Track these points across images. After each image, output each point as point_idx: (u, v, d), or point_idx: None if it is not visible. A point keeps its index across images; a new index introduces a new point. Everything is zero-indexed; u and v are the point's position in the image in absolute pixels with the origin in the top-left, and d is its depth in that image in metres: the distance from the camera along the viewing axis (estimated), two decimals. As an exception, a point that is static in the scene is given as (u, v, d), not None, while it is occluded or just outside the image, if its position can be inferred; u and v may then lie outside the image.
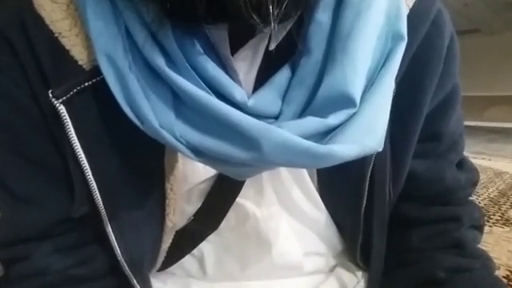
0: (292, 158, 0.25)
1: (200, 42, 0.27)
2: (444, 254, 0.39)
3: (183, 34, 0.26)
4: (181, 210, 0.37)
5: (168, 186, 0.34)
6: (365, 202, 0.38)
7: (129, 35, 0.27)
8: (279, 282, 0.43)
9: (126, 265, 0.36)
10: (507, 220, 1.09)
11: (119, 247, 0.35)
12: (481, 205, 1.20)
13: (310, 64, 0.28)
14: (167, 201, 0.35)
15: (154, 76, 0.27)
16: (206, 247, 0.42)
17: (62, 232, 0.35)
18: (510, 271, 0.80)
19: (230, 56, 0.28)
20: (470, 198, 0.43)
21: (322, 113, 0.27)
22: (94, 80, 0.29)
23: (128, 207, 0.34)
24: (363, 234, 0.40)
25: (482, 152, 2.09)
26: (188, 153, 0.27)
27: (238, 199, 0.38)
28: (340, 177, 0.37)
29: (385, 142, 0.27)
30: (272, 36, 0.28)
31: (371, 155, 0.34)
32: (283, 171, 0.38)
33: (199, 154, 0.27)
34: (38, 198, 0.34)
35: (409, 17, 0.30)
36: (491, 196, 1.30)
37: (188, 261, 0.43)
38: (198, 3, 0.22)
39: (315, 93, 0.27)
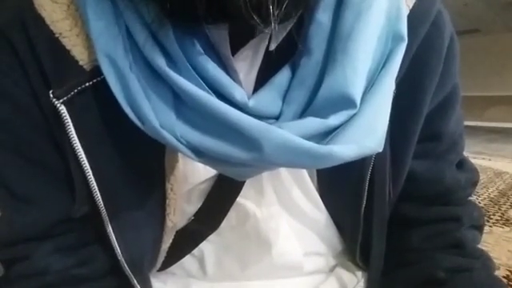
0: (292, 158, 0.25)
1: (200, 42, 0.27)
2: (444, 253, 0.39)
3: (183, 34, 0.26)
4: (181, 210, 0.37)
5: (168, 186, 0.34)
6: (364, 202, 0.38)
7: (129, 35, 0.27)
8: (279, 281, 0.43)
9: (126, 265, 0.36)
10: (507, 220, 1.09)
11: (119, 247, 0.35)
12: (481, 205, 1.20)
13: (310, 64, 0.28)
14: (167, 201, 0.35)
15: (155, 76, 0.27)
16: (207, 247, 0.42)
17: (63, 232, 0.35)
18: (510, 271, 0.80)
19: (231, 56, 0.28)
20: (470, 198, 0.43)
21: (323, 113, 0.27)
22: (94, 80, 0.29)
23: (128, 207, 0.34)
24: (363, 234, 0.40)
25: (482, 152, 2.09)
26: (188, 153, 0.27)
27: (238, 199, 0.38)
28: (340, 177, 0.37)
29: (385, 143, 0.27)
30: (272, 36, 0.28)
31: (371, 155, 0.34)
32: (283, 171, 0.38)
33: (200, 154, 0.28)
34: (39, 198, 0.34)
35: (409, 17, 0.30)
36: (491, 196, 1.30)
37: (188, 261, 0.43)
38: (198, 3, 0.22)
39: (316, 93, 0.27)
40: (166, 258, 0.41)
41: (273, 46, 0.28)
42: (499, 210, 1.17)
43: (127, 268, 0.36)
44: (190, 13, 0.23)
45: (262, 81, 0.30)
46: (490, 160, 1.91)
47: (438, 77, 0.35)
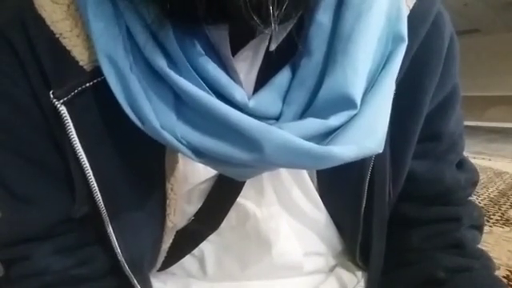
0: (293, 159, 0.25)
1: (201, 43, 0.27)
2: (444, 253, 0.39)
3: (184, 34, 0.26)
4: (181, 210, 0.37)
5: (169, 186, 0.34)
6: (364, 202, 0.38)
7: (130, 36, 0.27)
8: (279, 281, 0.43)
9: (126, 265, 0.36)
10: (507, 220, 1.09)
11: (120, 247, 0.35)
12: (481, 205, 1.20)
13: (310, 65, 0.28)
14: (168, 201, 0.35)
15: (155, 77, 0.27)
16: (207, 247, 0.42)
17: (63, 232, 0.35)
18: (510, 271, 0.80)
19: (231, 56, 0.28)
20: (470, 198, 0.43)
21: (323, 114, 0.27)
22: (95, 81, 0.29)
23: (129, 207, 0.34)
24: (363, 234, 0.40)
25: (482, 152, 2.09)
26: (189, 153, 0.27)
27: (238, 199, 0.38)
28: (340, 177, 0.37)
29: (384, 143, 0.27)
30: (272, 37, 0.28)
31: (371, 156, 0.34)
32: (283, 172, 0.38)
33: (200, 154, 0.28)
34: (39, 198, 0.34)
35: (409, 18, 0.30)
36: (491, 196, 1.31)
37: (188, 261, 0.43)
38: (198, 4, 0.22)
39: (316, 94, 0.27)
40: (166, 258, 0.41)
41: (273, 47, 0.28)
42: (499, 209, 1.17)
43: (127, 268, 0.36)
44: (190, 13, 0.23)
45: (262, 81, 0.30)
46: (489, 160, 1.91)
47: (438, 77, 0.35)
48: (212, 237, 0.41)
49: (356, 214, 0.39)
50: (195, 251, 0.42)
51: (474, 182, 0.43)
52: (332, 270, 0.46)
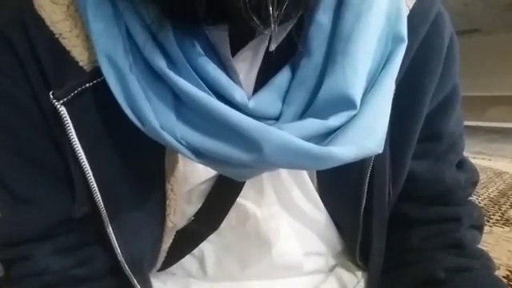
0: (292, 159, 0.25)
1: (200, 43, 0.27)
2: (444, 254, 0.39)
3: (184, 35, 0.26)
4: (181, 210, 0.37)
5: (168, 186, 0.34)
6: (364, 202, 0.38)
7: (129, 36, 0.27)
8: (279, 281, 0.43)
9: (126, 265, 0.36)
10: (507, 220, 1.09)
11: (119, 247, 0.35)
12: (481, 205, 1.20)
13: (310, 65, 0.28)
14: (168, 201, 0.35)
15: (155, 77, 0.27)
16: (207, 247, 0.42)
17: (63, 232, 0.35)
18: (510, 271, 0.80)
19: (231, 57, 0.28)
20: (470, 198, 0.43)
21: (323, 114, 0.27)
22: (94, 81, 0.29)
23: (128, 208, 0.34)
24: (363, 234, 0.40)
25: (482, 152, 2.09)
26: (188, 154, 0.27)
27: (238, 199, 0.38)
28: (340, 177, 0.37)
29: (384, 143, 0.27)
30: (272, 37, 0.28)
31: (371, 156, 0.34)
32: (283, 172, 0.38)
33: (200, 155, 0.28)
34: (39, 199, 0.34)
35: (409, 18, 0.30)
36: (491, 196, 1.30)
37: (188, 261, 0.43)
38: (198, 5, 0.22)
39: (316, 94, 0.27)
40: (166, 258, 0.41)
41: (273, 47, 0.28)
42: (499, 209, 1.17)
43: (127, 268, 0.36)
44: (190, 14, 0.23)
45: (262, 81, 0.30)
46: (489, 160, 1.91)
47: (438, 77, 0.35)
48: (212, 237, 0.41)
49: (356, 214, 0.39)
50: (195, 251, 0.42)
51: (473, 182, 0.43)
52: (332, 269, 0.46)
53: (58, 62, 0.29)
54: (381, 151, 0.27)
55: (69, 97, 0.29)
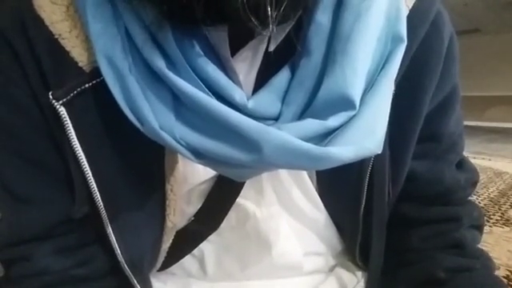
0: (291, 159, 0.25)
1: (200, 44, 0.27)
2: (444, 254, 0.39)
3: (183, 35, 0.26)
4: (181, 210, 0.37)
5: (168, 186, 0.34)
6: (364, 202, 0.38)
7: (129, 37, 0.27)
8: (279, 281, 0.43)
9: (126, 265, 0.36)
10: (507, 220, 1.09)
11: (119, 248, 0.35)
12: (481, 205, 1.20)
13: (309, 66, 0.28)
14: (167, 201, 0.35)
15: (154, 78, 0.27)
16: (207, 247, 0.42)
17: (63, 233, 0.35)
18: (510, 271, 0.80)
19: (230, 57, 0.28)
20: (470, 198, 0.43)
21: (322, 115, 0.27)
22: (94, 81, 0.29)
23: (128, 208, 0.34)
24: (362, 234, 0.40)
25: (482, 152, 2.09)
26: (188, 154, 0.27)
27: (238, 199, 0.38)
28: (339, 177, 0.37)
29: (384, 143, 0.27)
30: (271, 37, 0.28)
31: (370, 156, 0.34)
32: (283, 172, 0.38)
33: (199, 155, 0.28)
34: (39, 199, 0.34)
35: (408, 17, 0.30)
36: (491, 196, 1.30)
37: (188, 261, 0.43)
38: (196, 6, 0.22)
39: (315, 95, 0.27)
40: (166, 258, 0.41)
41: (272, 47, 0.28)
42: (499, 209, 1.17)
43: (127, 268, 0.36)
44: (189, 15, 0.23)
45: (261, 82, 0.30)
46: (489, 160, 1.90)
47: (438, 77, 0.35)
48: (212, 237, 0.41)
49: (355, 214, 0.39)
50: (195, 251, 0.42)
51: (473, 182, 0.43)
52: (332, 269, 0.46)
53: (57, 62, 0.29)
54: (380, 151, 0.27)
55: (68, 97, 0.29)
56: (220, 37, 0.27)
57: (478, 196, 1.28)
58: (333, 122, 0.26)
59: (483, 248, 0.41)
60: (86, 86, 0.29)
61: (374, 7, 0.27)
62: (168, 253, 0.41)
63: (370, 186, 0.37)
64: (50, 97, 0.29)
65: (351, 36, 0.26)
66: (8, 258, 0.36)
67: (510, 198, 1.29)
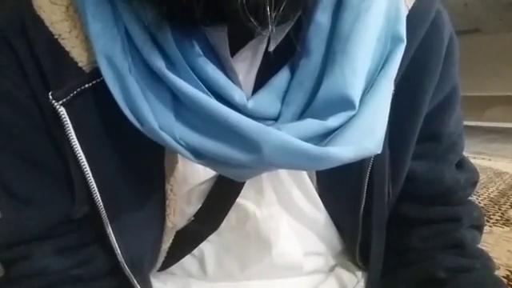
0: (291, 160, 0.25)
1: (199, 44, 0.27)
2: (444, 254, 0.39)
3: (182, 35, 0.26)
4: (181, 210, 0.37)
5: (168, 186, 0.34)
6: (364, 202, 0.38)
7: (128, 37, 0.27)
8: (279, 281, 0.43)
9: (126, 265, 0.36)
10: (507, 220, 1.09)
11: (119, 248, 0.35)
12: (481, 205, 1.20)
13: (309, 66, 0.28)
14: (167, 201, 0.35)
15: (154, 78, 0.27)
16: (207, 247, 0.42)
17: (63, 233, 0.35)
18: (510, 271, 0.80)
19: (230, 58, 0.28)
20: (470, 198, 0.43)
21: (322, 115, 0.27)
22: (94, 82, 0.29)
23: (128, 208, 0.34)
24: (362, 234, 0.40)
25: (482, 152, 2.09)
26: (188, 155, 0.27)
27: (238, 199, 0.38)
28: (339, 177, 0.37)
29: (384, 143, 0.27)
30: (271, 38, 0.28)
31: (370, 156, 0.34)
32: (283, 172, 0.38)
33: (199, 155, 0.28)
34: (39, 199, 0.34)
35: (408, 17, 0.30)
36: (491, 196, 1.30)
37: (188, 261, 0.43)
38: (196, 6, 0.22)
39: (315, 95, 0.27)
40: (166, 258, 0.41)
41: (271, 47, 0.28)
42: (499, 209, 1.17)
43: (127, 268, 0.36)
44: (188, 15, 0.23)
45: (261, 82, 0.30)
46: (489, 160, 1.90)
47: (438, 77, 0.35)
48: (212, 237, 0.41)
49: (355, 214, 0.39)
50: (195, 251, 0.42)
51: (473, 182, 0.43)
52: (332, 269, 0.46)
53: (57, 62, 0.29)
54: (380, 151, 0.27)
55: (68, 97, 0.29)
56: (220, 37, 0.27)
57: (478, 196, 1.28)
58: (332, 122, 0.26)
59: (483, 248, 0.41)
60: (86, 86, 0.29)
61: (374, 7, 0.27)
62: (168, 253, 0.41)
63: (370, 185, 0.37)
64: (50, 97, 0.29)
65: (351, 36, 0.26)
66: (8, 258, 0.36)
67: (510, 198, 1.29)
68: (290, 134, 0.25)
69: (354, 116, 0.27)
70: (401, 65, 0.29)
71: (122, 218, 0.34)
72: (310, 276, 0.44)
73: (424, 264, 0.40)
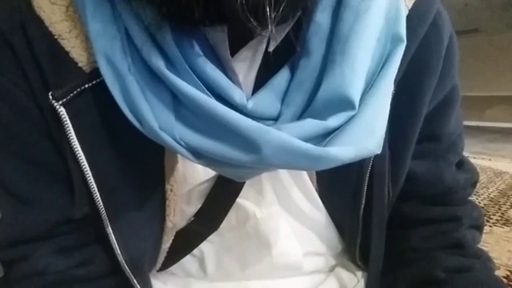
0: (291, 160, 0.25)
1: (199, 44, 0.27)
2: (444, 253, 0.39)
3: (182, 35, 0.26)
4: (181, 210, 0.37)
5: (168, 186, 0.34)
6: (363, 202, 0.38)
7: (128, 37, 0.27)
8: (279, 281, 0.43)
9: (126, 265, 0.36)
10: (507, 220, 1.09)
11: (119, 248, 0.35)
12: (481, 205, 1.20)
13: (309, 66, 0.28)
14: (167, 201, 0.35)
15: (154, 78, 0.27)
16: (207, 247, 0.42)
17: (63, 233, 0.35)
18: (510, 271, 0.80)
19: (230, 58, 0.28)
20: (470, 198, 0.43)
21: (322, 115, 0.27)
22: (93, 82, 0.29)
23: (128, 208, 0.34)
24: (362, 234, 0.40)
25: (482, 152, 2.09)
26: (187, 155, 0.27)
27: (238, 200, 0.38)
28: (339, 177, 0.37)
29: (384, 143, 0.27)
30: (270, 38, 0.28)
31: (370, 156, 0.34)
32: (283, 172, 0.38)
33: (199, 156, 0.28)
34: (38, 199, 0.34)
35: (408, 17, 0.30)
36: (491, 196, 1.30)
37: (188, 261, 0.43)
38: (195, 6, 0.22)
39: (314, 95, 0.27)
40: (165, 258, 0.41)
41: (271, 48, 0.28)
42: (499, 209, 1.17)
43: (127, 268, 0.36)
44: (187, 15, 0.23)
45: (261, 82, 0.30)
46: (490, 160, 1.90)
47: (437, 77, 0.35)
48: (212, 237, 0.41)
49: (355, 214, 0.39)
50: (195, 251, 0.42)
51: (473, 182, 0.43)
52: (332, 269, 0.46)
53: (57, 62, 0.29)
54: (379, 152, 0.27)
55: (68, 97, 0.29)
56: (219, 37, 0.27)
57: (478, 196, 1.28)
58: (332, 122, 0.26)
59: (483, 248, 0.41)
60: (86, 86, 0.29)
61: (374, 7, 0.27)
62: (168, 253, 0.41)
63: (370, 186, 0.37)
64: (50, 97, 0.29)
65: (350, 36, 0.26)
66: (8, 258, 0.36)
67: (510, 198, 1.28)
68: (289, 134, 0.25)
69: (353, 116, 0.27)
70: (401, 65, 0.29)
71: (122, 217, 0.34)
72: (310, 276, 0.44)
73: (424, 264, 0.40)
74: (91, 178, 0.31)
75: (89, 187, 0.31)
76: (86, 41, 0.29)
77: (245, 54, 0.30)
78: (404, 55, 0.29)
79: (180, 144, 0.27)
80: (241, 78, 0.30)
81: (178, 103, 0.27)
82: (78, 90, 0.29)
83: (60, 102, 0.29)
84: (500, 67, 3.02)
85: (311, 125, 0.26)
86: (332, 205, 0.41)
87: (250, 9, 0.22)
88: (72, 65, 0.29)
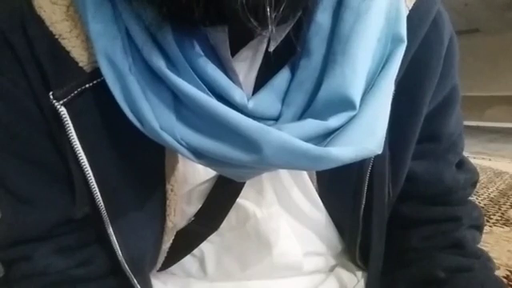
0: (291, 160, 0.25)
1: (200, 44, 0.27)
2: (444, 253, 0.39)
3: (182, 36, 0.26)
4: (181, 210, 0.37)
5: (168, 186, 0.34)
6: (364, 202, 0.38)
7: (129, 37, 0.27)
8: (279, 281, 0.43)
9: (126, 265, 0.36)
10: (507, 220, 1.09)
11: (120, 248, 0.35)
12: (481, 205, 1.20)
13: (309, 66, 0.28)
14: (168, 201, 0.35)
15: (155, 78, 0.27)
16: (207, 247, 0.42)
17: (63, 233, 0.35)
18: (510, 271, 0.80)
19: (230, 58, 0.28)
20: (470, 198, 0.43)
21: (322, 115, 0.27)
22: (94, 82, 0.29)
23: (129, 208, 0.34)
24: (362, 234, 0.40)
25: (482, 152, 2.09)
26: (188, 155, 0.27)
27: (238, 200, 0.38)
28: (339, 177, 0.37)
29: (384, 143, 0.27)
30: (271, 38, 0.28)
31: (370, 157, 0.34)
32: (283, 172, 0.38)
33: (199, 156, 0.28)
34: (39, 199, 0.34)
35: (408, 18, 0.30)
36: (491, 196, 1.30)
37: (188, 261, 0.43)
38: (196, 7, 0.22)
39: (315, 95, 0.27)
40: (166, 258, 0.41)
41: (272, 48, 0.28)
42: (499, 209, 1.17)
43: (127, 268, 0.36)
44: (188, 16, 0.23)
45: (261, 82, 0.30)
46: (490, 160, 1.90)
47: (438, 77, 0.35)
48: (212, 237, 0.41)
49: (355, 214, 0.39)
50: (195, 251, 0.42)
51: (473, 182, 0.43)
52: (332, 269, 0.46)
53: (57, 62, 0.29)
54: (380, 152, 0.27)
55: (69, 97, 0.29)
56: (220, 37, 0.27)
57: (478, 196, 1.28)
58: (333, 122, 0.26)
59: (483, 248, 0.41)
60: (87, 86, 0.29)
61: (374, 8, 0.27)
62: (168, 253, 0.41)
63: (370, 186, 0.37)
64: (51, 97, 0.29)
65: (351, 36, 0.26)
66: (8, 258, 0.36)
67: (510, 197, 1.29)
68: (290, 135, 0.25)
69: (354, 116, 0.27)
70: (401, 65, 0.29)
71: (123, 217, 0.34)
72: (310, 276, 0.44)
73: (424, 264, 0.40)
74: (92, 177, 0.31)
75: (89, 187, 0.31)
76: (87, 40, 0.29)
77: (245, 54, 0.30)
78: (404, 55, 0.29)
79: (181, 144, 0.27)
80: (241, 77, 0.30)
81: (179, 103, 0.27)
82: (79, 89, 0.29)
83: (61, 102, 0.29)
84: (500, 67, 3.02)
85: (312, 125, 0.26)
86: (332, 205, 0.41)
87: (250, 9, 0.22)
88: (72, 64, 0.29)
